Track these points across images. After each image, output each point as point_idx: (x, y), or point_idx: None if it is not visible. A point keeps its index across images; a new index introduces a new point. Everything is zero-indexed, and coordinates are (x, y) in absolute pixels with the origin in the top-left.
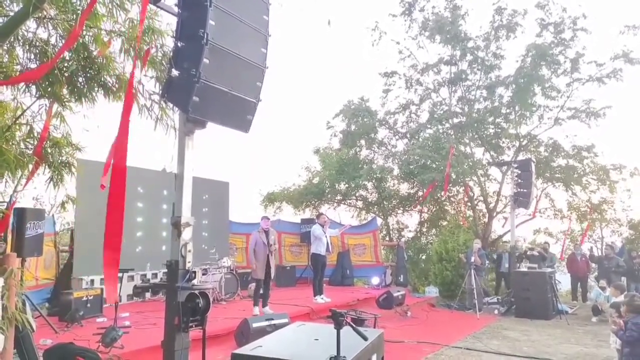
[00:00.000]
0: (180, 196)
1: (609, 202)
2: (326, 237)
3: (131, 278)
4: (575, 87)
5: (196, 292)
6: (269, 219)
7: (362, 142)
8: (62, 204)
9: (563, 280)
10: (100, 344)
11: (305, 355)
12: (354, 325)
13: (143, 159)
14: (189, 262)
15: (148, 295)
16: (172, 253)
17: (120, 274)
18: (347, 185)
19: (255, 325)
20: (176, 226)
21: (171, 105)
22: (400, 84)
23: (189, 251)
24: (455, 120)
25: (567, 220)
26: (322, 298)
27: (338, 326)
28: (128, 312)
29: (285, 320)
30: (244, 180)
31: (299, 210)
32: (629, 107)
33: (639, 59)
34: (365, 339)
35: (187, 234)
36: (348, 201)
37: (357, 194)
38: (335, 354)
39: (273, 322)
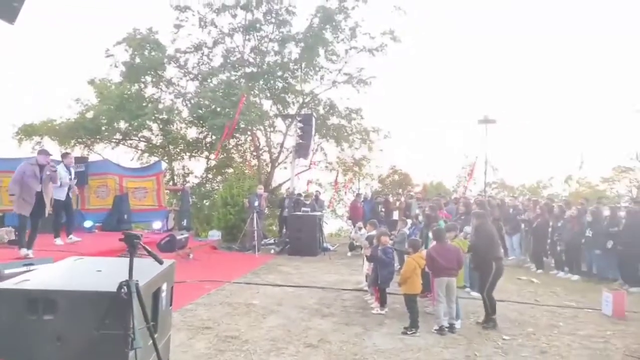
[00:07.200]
0: None
1: (367, 159)
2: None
3: None
4: (351, 55)
5: None
6: (50, 154)
7: (148, 78)
8: None
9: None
10: None
11: (87, 284)
12: (149, 249)
13: None
14: None
15: None
16: None
17: None
18: (128, 124)
19: (9, 271)
20: None
21: None
22: (193, 22)
23: None
24: (248, 70)
25: (335, 172)
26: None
27: (132, 249)
28: None
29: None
30: None
31: (66, 148)
32: (390, 78)
33: (400, 38)
34: (160, 262)
35: None
36: (129, 142)
37: (139, 135)
38: (127, 279)
39: (34, 267)
